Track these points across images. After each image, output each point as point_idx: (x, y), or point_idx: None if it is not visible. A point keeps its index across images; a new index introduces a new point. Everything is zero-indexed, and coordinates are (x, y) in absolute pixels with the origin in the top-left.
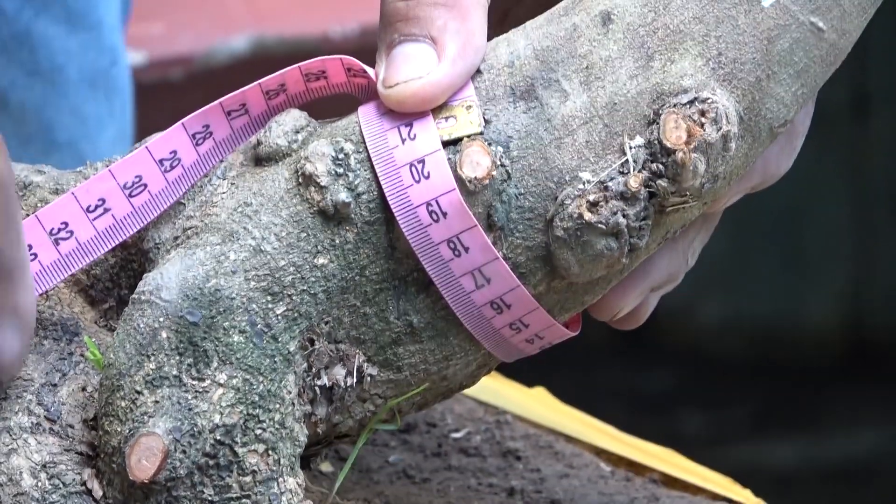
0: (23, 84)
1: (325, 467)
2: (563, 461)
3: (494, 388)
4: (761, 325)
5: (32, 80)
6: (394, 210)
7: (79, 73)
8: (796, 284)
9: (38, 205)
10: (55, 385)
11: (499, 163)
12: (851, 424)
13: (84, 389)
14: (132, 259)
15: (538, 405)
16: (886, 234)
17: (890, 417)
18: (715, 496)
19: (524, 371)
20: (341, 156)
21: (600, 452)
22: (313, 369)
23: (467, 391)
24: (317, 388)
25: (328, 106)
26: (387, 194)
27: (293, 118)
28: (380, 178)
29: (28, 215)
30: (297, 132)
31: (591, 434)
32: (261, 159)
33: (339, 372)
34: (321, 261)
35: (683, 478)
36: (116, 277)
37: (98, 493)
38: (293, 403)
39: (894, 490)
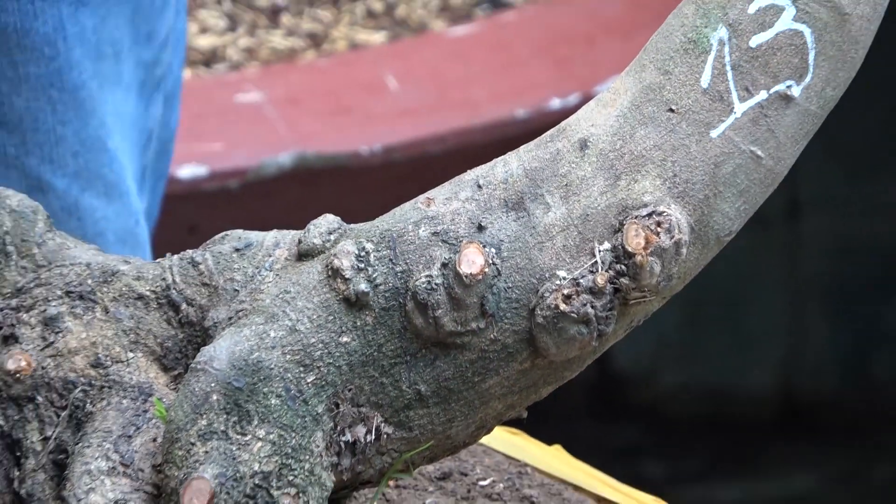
0: None
1: None
2: None
3: (519, 445)
4: (710, 389)
5: None
6: None
7: (114, 235)
8: (739, 357)
9: (123, 289)
10: (130, 436)
11: (491, 261)
12: (785, 470)
13: (154, 440)
14: (197, 335)
15: (554, 460)
16: (814, 318)
17: (816, 464)
18: None
19: (532, 428)
20: (363, 253)
21: (601, 500)
22: (338, 427)
23: (495, 446)
24: (342, 443)
25: (360, 208)
26: None
27: (328, 222)
28: None
29: (115, 298)
30: (331, 233)
31: (594, 484)
32: (301, 255)
33: (360, 430)
34: (345, 339)
35: None
36: (185, 349)
37: None
38: (321, 455)
39: None
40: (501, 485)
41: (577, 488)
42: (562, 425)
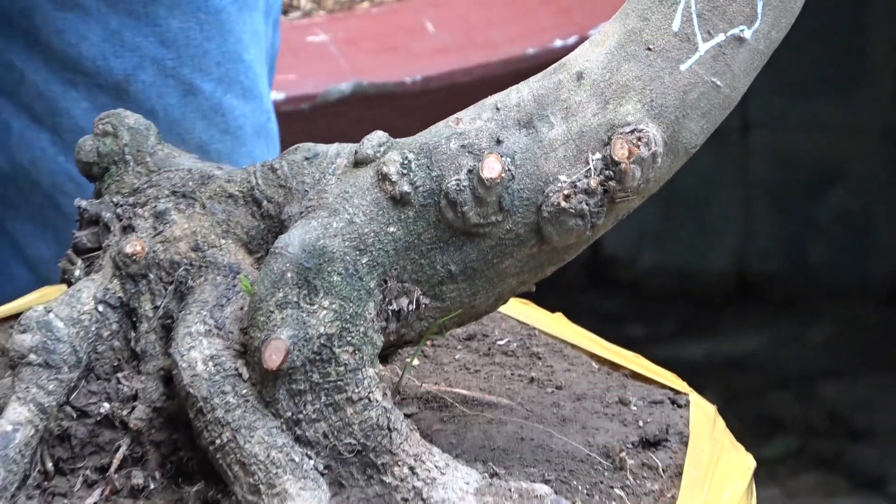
0: (219, 139)
1: (416, 361)
2: (567, 361)
3: (528, 312)
4: (680, 268)
5: (224, 136)
6: None
7: (251, 128)
8: (702, 243)
9: (217, 189)
10: (223, 305)
11: (507, 168)
12: (738, 333)
13: (241, 309)
14: (275, 226)
15: (556, 324)
16: (761, 213)
17: (764, 328)
18: (662, 385)
19: (539, 300)
20: (406, 161)
21: (593, 356)
22: (386, 299)
23: (510, 314)
24: (389, 311)
25: (404, 126)
26: None
27: (378, 137)
28: None
29: (211, 197)
30: (381, 146)
31: (587, 343)
32: (357, 163)
33: (403, 301)
34: (392, 229)
35: (644, 373)
36: (265, 237)
37: (245, 376)
38: (373, 321)
39: (766, 374)
40: (515, 344)
41: (574, 347)
42: (563, 297)
